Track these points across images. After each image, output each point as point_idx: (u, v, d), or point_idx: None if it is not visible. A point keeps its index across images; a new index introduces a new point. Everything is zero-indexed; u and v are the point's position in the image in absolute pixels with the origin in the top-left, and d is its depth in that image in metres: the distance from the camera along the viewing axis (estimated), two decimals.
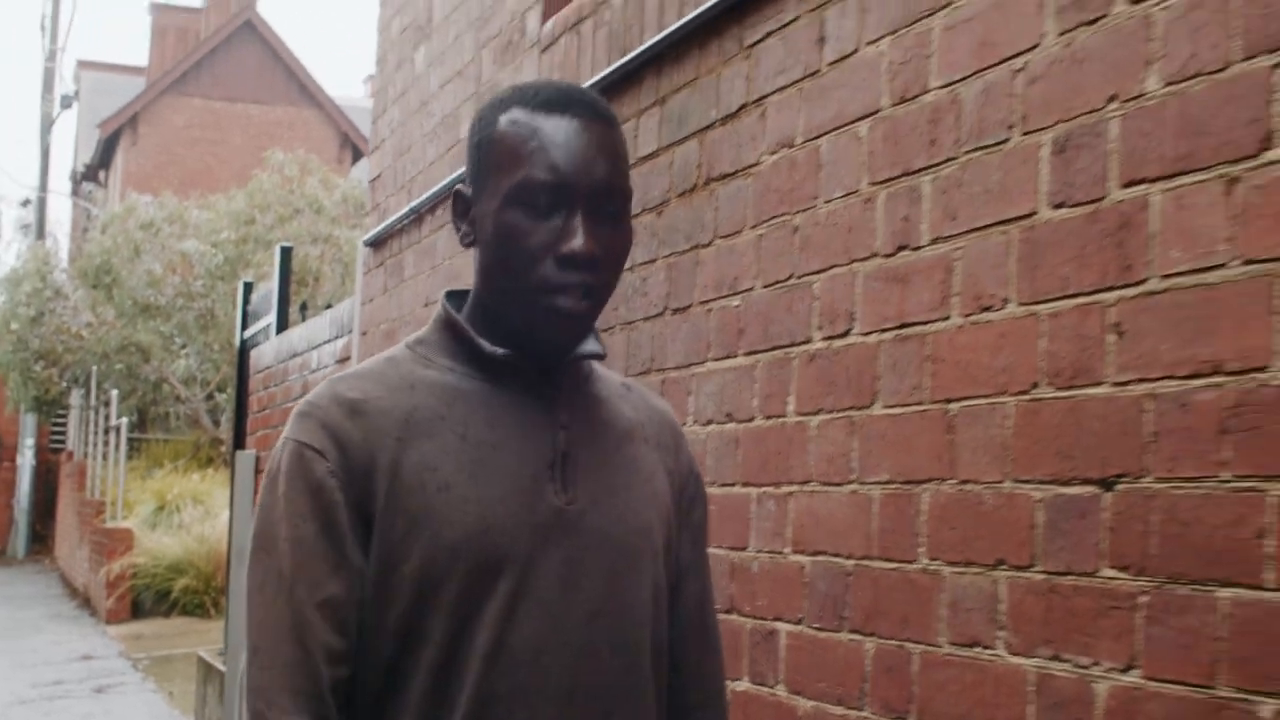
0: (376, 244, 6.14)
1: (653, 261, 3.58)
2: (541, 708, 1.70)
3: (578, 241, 1.66)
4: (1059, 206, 2.27)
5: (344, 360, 6.68)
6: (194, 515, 18.27)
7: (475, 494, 1.71)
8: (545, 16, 4.44)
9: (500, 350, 1.75)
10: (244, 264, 21.94)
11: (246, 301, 10.60)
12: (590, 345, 1.82)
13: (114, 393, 21.86)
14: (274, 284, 9.52)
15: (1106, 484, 2.14)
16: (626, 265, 2.12)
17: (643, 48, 3.64)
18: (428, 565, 1.68)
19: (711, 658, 1.99)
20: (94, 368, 23.37)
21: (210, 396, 22.71)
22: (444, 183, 5.14)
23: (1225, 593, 1.94)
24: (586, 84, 3.96)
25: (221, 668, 9.61)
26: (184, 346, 22.74)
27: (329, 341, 7.17)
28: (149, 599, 17.17)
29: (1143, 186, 2.10)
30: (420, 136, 5.66)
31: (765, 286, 3.07)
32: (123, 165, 35.67)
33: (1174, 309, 2.04)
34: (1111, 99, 2.17)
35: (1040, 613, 2.27)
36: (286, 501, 1.71)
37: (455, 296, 1.86)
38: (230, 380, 14.93)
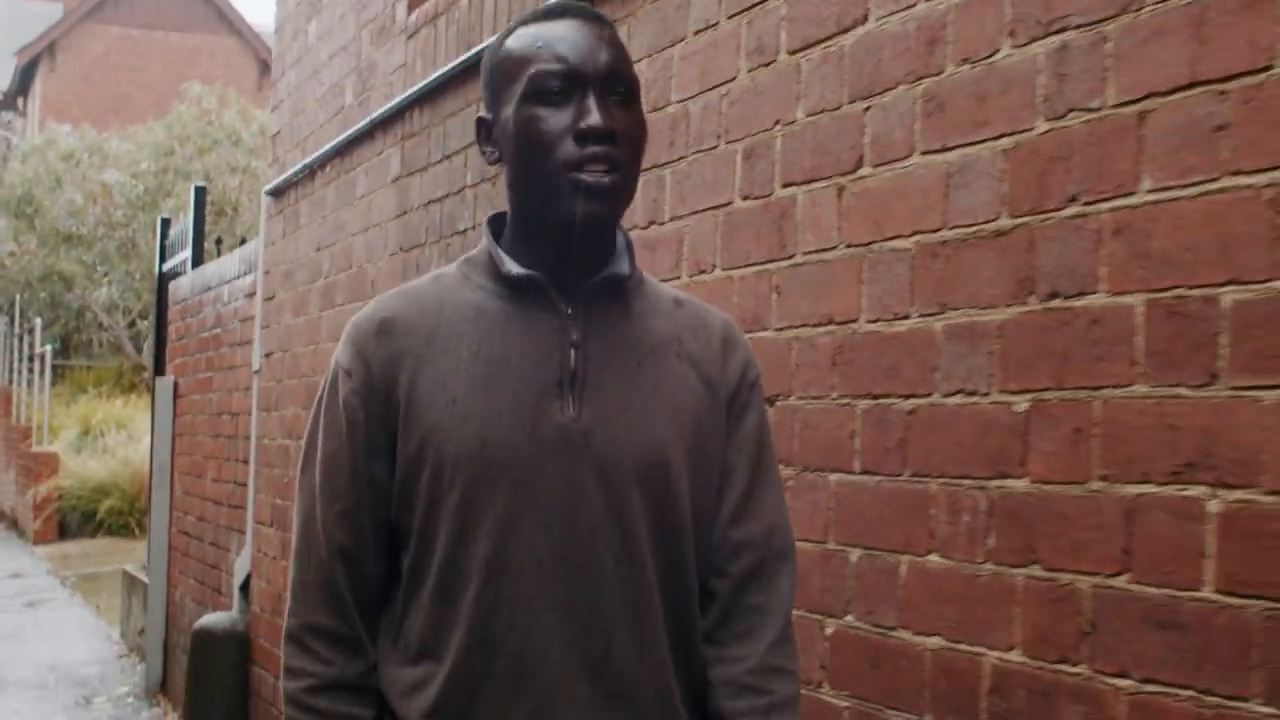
0: (276, 193, 6.89)
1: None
2: (543, 615, 1.78)
3: (594, 117, 1.75)
4: (745, 199, 3.10)
5: (251, 295, 7.42)
6: (118, 440, 18.88)
7: (478, 409, 1.79)
8: (411, 8, 5.21)
9: (518, 270, 1.84)
10: (164, 194, 22.45)
11: (164, 236, 11.24)
12: (618, 266, 1.88)
13: (38, 320, 22.34)
14: (189, 221, 10.20)
15: (770, 401, 2.98)
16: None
17: (482, 45, 4.42)
18: (435, 476, 1.79)
19: (766, 576, 1.95)
20: (17, 296, 23.81)
21: (132, 324, 23.27)
22: (332, 143, 5.90)
23: (833, 476, 2.80)
24: (440, 71, 4.74)
25: (145, 579, 10.36)
26: (106, 275, 23.22)
27: (239, 277, 7.91)
28: (75, 520, 17.77)
29: (793, 188, 2.94)
30: (313, 101, 6.41)
31: None
32: (41, 93, 35.69)
33: (809, 277, 2.88)
34: (776, 122, 3.00)
35: None
36: (323, 419, 1.88)
37: (501, 220, 1.94)
38: (151, 308, 15.55)
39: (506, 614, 1.78)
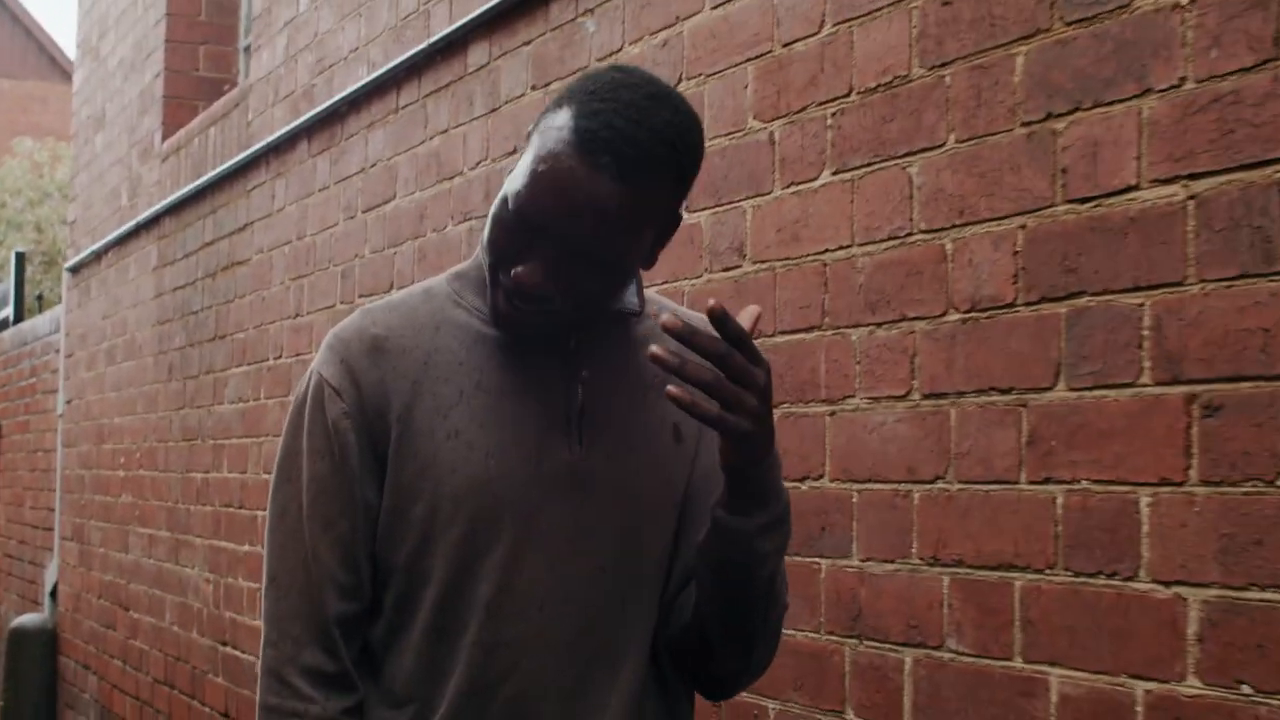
0: (74, 270, 8.45)
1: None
2: (545, 658, 1.70)
3: (521, 270, 1.62)
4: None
5: (58, 351, 8.93)
6: None
7: (483, 443, 1.70)
8: (164, 137, 6.85)
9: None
10: None
11: None
12: (627, 300, 1.78)
13: None
14: (10, 283, 11.66)
15: None
16: None
17: (211, 174, 6.07)
18: (433, 510, 1.69)
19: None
20: None
21: None
22: (112, 235, 7.49)
23: None
24: (181, 191, 6.38)
25: None
26: None
27: (49, 334, 9.43)
28: None
29: None
30: (99, 198, 8.00)
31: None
32: None
33: None
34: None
35: None
36: (307, 436, 1.74)
37: None
38: None
39: (506, 657, 1.70)
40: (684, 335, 1.48)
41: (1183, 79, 1.97)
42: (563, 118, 1.61)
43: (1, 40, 37.36)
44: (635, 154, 1.58)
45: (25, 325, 10.50)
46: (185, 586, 6.20)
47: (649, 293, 1.83)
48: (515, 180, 1.62)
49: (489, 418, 1.70)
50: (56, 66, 37.71)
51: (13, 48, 37.46)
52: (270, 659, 1.71)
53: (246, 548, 5.46)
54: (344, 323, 1.77)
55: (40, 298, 12.41)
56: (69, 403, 8.41)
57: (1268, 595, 1.84)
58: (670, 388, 1.49)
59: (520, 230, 1.61)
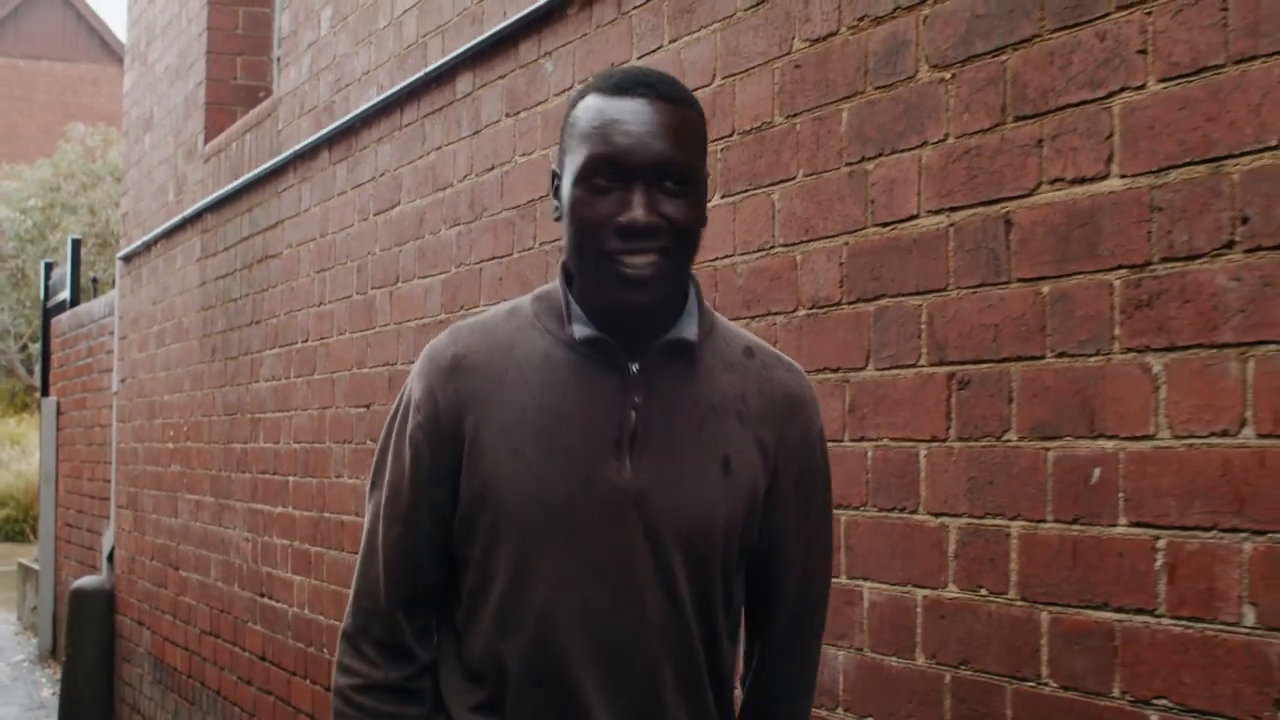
0: (126, 259, 9.18)
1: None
2: (588, 668, 1.84)
3: (635, 212, 1.75)
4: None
5: (113, 333, 9.66)
6: (12, 455, 20.87)
7: (538, 463, 1.83)
8: (207, 140, 7.55)
9: (585, 333, 1.85)
10: (51, 227, 24.41)
11: (48, 278, 13.46)
12: (685, 329, 1.89)
13: None
14: (67, 268, 12.43)
15: None
16: None
17: (248, 176, 6.75)
18: (495, 520, 1.85)
19: (805, 642, 2.09)
20: None
21: (24, 348, 25.15)
22: (160, 229, 8.20)
23: None
24: (221, 191, 7.07)
25: (37, 568, 12.59)
26: None
27: (104, 318, 10.16)
28: None
29: None
30: (148, 193, 8.72)
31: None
32: None
33: None
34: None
35: None
36: (392, 448, 1.94)
37: None
38: (39, 336, 17.43)
39: (554, 665, 1.84)
40: None
41: (946, 135, 2.61)
42: (593, 95, 1.85)
43: (53, 24, 37.92)
44: (671, 83, 1.85)
45: (82, 309, 11.26)
46: (227, 546, 6.91)
47: (724, 322, 2.03)
48: (577, 158, 1.82)
49: (547, 439, 1.84)
50: (108, 49, 38.22)
51: (65, 31, 38.00)
52: (347, 626, 1.98)
53: (279, 509, 6.15)
54: (435, 340, 1.97)
55: (95, 280, 13.20)
56: (123, 381, 9.16)
57: (998, 522, 2.49)
58: None
59: (604, 186, 1.79)
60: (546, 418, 1.84)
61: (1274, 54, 2.04)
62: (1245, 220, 2.07)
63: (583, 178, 1.80)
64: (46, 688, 10.54)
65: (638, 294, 1.79)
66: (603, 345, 1.86)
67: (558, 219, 1.89)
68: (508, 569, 1.86)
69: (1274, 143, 2.04)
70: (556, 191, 1.90)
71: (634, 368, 1.87)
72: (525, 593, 1.85)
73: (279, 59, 7.27)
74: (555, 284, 1.94)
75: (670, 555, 1.85)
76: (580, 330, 1.87)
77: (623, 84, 1.83)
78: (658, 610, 1.85)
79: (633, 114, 1.79)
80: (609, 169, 1.79)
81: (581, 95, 1.87)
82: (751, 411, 1.93)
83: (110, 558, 9.42)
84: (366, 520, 2.00)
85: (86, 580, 9.52)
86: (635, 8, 3.58)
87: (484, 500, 1.86)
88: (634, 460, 1.84)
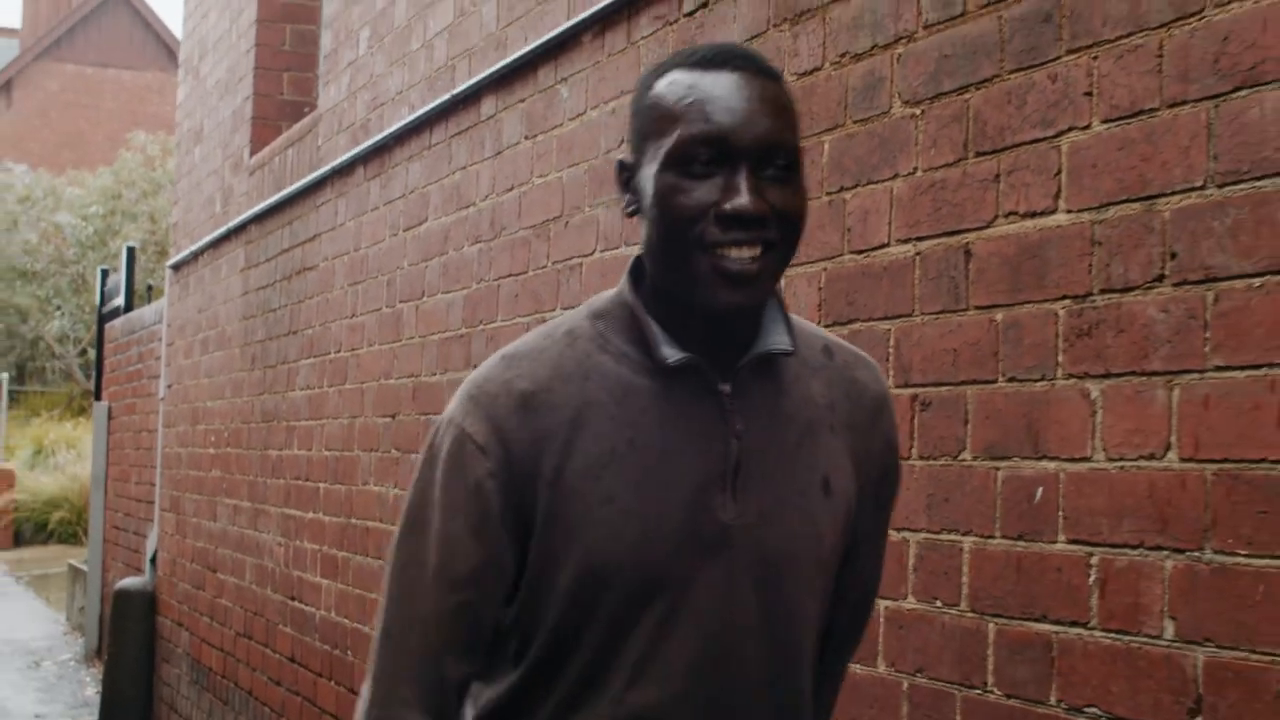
0: (175, 268, 9.43)
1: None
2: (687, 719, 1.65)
3: (742, 199, 1.55)
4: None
5: (160, 340, 9.90)
6: (68, 458, 21.20)
7: (638, 509, 1.63)
8: (253, 153, 7.77)
9: (676, 356, 1.63)
10: (112, 234, 24.88)
11: (104, 285, 13.76)
12: (777, 338, 1.68)
13: None
14: (122, 275, 12.71)
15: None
16: None
17: (290, 189, 6.95)
18: (584, 576, 1.63)
19: (853, 640, 1.97)
20: None
21: (83, 353, 25.57)
22: (206, 239, 8.43)
23: None
24: (266, 203, 7.28)
25: (85, 569, 12.87)
26: (58, 308, 25.57)
27: (154, 324, 10.42)
28: (29, 530, 19.99)
29: None
30: (196, 204, 8.95)
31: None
32: None
33: None
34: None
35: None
36: (443, 490, 1.66)
37: (642, 265, 1.71)
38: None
39: (650, 718, 1.65)
40: None
41: (915, 168, 2.75)
42: (676, 70, 1.64)
43: (120, 33, 38.49)
44: (763, 58, 1.66)
45: (134, 315, 11.52)
46: (262, 550, 7.10)
47: (797, 320, 1.77)
48: (665, 139, 1.60)
49: (643, 480, 1.64)
50: (174, 58, 38.75)
51: (131, 40, 38.58)
52: (372, 717, 1.67)
53: (310, 515, 6.34)
54: (483, 371, 1.69)
55: (150, 288, 13.48)
56: (169, 387, 9.39)
57: (952, 537, 2.62)
58: None
59: (701, 171, 1.58)
60: (640, 457, 1.64)
61: (1202, 99, 2.17)
62: (1174, 255, 2.20)
63: (676, 161, 1.59)
64: (90, 686, 10.79)
65: (739, 293, 1.59)
66: (693, 367, 1.66)
67: (631, 214, 1.67)
68: (602, 625, 1.65)
69: (1199, 183, 2.17)
70: (627, 184, 1.69)
71: (725, 388, 1.67)
72: (620, 646, 1.66)
73: (321, 76, 7.48)
74: (612, 296, 1.73)
75: (780, 591, 1.70)
76: (670, 353, 1.65)
77: (712, 57, 1.63)
78: (763, 652, 1.70)
79: (731, 89, 1.60)
80: (708, 150, 1.58)
81: (658, 73, 1.67)
82: (840, 421, 1.77)
83: (153, 560, 9.65)
84: (393, 587, 1.70)
85: (129, 581, 9.76)
86: (643, 38, 3.73)
87: (566, 556, 1.64)
88: (739, 495, 1.66)
